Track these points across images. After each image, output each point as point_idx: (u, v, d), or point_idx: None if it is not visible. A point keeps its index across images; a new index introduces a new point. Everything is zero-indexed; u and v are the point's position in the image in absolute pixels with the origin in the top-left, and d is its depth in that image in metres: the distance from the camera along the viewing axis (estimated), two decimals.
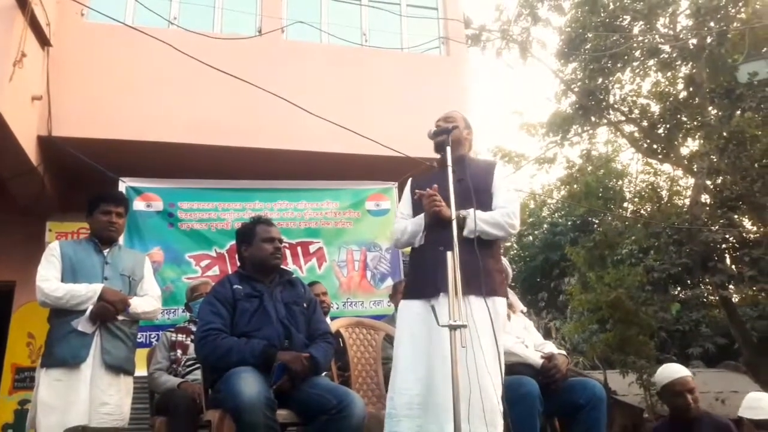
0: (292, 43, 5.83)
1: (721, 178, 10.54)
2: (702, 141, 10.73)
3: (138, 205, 4.93)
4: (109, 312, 3.03)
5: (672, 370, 3.51)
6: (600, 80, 11.63)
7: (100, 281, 3.09)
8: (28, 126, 4.65)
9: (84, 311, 2.98)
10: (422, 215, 2.79)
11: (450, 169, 2.68)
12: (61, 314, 2.99)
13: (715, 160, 10.12)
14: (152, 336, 4.61)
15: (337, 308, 4.96)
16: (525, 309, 3.52)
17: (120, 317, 3.09)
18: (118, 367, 3.07)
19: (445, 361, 2.45)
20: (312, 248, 5.21)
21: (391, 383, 2.65)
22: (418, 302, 2.69)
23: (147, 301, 3.27)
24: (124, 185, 4.88)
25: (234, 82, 4.91)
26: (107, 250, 3.24)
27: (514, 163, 13.15)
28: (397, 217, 3.04)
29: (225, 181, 5.19)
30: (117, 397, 3.05)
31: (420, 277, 2.77)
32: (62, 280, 3.04)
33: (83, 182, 4.92)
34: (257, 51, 5.47)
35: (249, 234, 3.00)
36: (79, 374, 2.92)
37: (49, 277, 3.02)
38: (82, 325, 2.96)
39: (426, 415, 2.50)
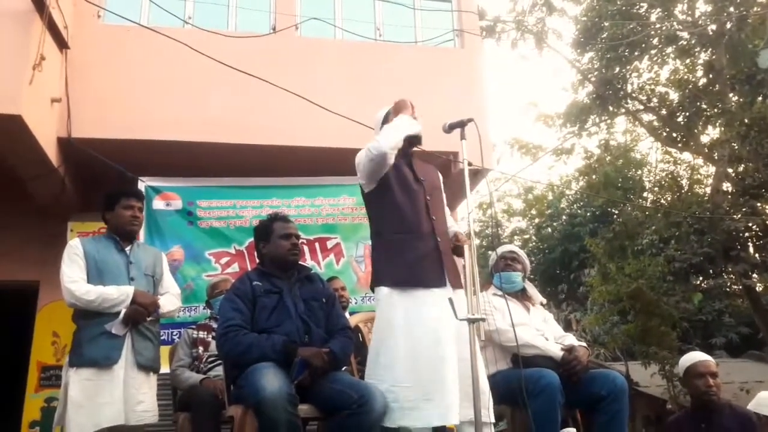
0: (306, 40, 5.83)
1: (742, 165, 10.39)
2: (723, 128, 10.58)
3: (157, 204, 4.98)
4: (142, 315, 3.09)
5: (695, 355, 3.51)
6: (617, 69, 11.50)
7: (127, 282, 3.12)
8: (48, 128, 4.71)
9: (113, 313, 3.01)
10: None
11: (466, 163, 2.69)
12: (90, 315, 3.01)
13: (736, 147, 9.97)
14: (174, 333, 4.66)
15: (356, 303, 4.98)
16: (544, 301, 3.51)
17: (148, 318, 3.15)
18: (149, 367, 3.14)
19: (445, 350, 2.49)
20: (329, 244, 5.23)
21: (385, 374, 2.58)
22: (415, 290, 2.66)
23: (170, 300, 3.33)
24: (143, 185, 4.92)
25: (250, 80, 4.93)
26: (128, 247, 3.26)
27: (532, 155, 13.07)
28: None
29: (243, 179, 5.22)
30: (150, 395, 3.12)
31: (417, 265, 2.70)
32: (87, 281, 3.05)
33: (103, 182, 4.96)
34: (272, 48, 5.49)
35: (266, 231, 3.02)
36: (112, 375, 2.96)
37: (76, 279, 3.02)
38: (116, 328, 3.00)
39: (429, 405, 2.51)
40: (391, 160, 2.73)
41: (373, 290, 2.82)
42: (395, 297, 2.67)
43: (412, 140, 2.93)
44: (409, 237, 2.74)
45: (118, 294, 3.03)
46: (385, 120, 2.97)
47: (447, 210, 3.02)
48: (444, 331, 2.54)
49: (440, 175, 3.12)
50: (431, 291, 2.64)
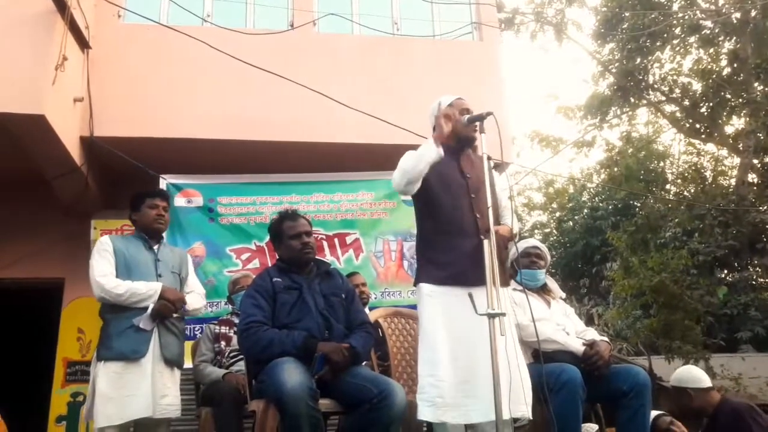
0: (324, 36, 5.85)
1: None
2: (748, 118, 10.41)
3: (179, 201, 5.03)
4: (169, 310, 3.14)
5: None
6: (638, 60, 11.37)
7: (155, 278, 3.18)
8: (71, 127, 4.77)
9: (141, 308, 3.06)
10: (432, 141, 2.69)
11: (486, 156, 2.66)
12: (117, 310, 3.07)
13: (762, 137, 9.80)
14: (196, 329, 4.70)
15: (375, 298, 4.97)
16: (564, 296, 3.47)
17: (174, 314, 3.20)
18: (174, 362, 3.20)
19: (487, 348, 2.46)
20: (349, 239, 5.23)
21: (429, 369, 2.55)
22: (455, 289, 2.63)
23: (196, 298, 3.40)
24: (164, 182, 4.98)
25: (268, 77, 4.95)
26: (156, 246, 3.33)
27: (552, 148, 12.98)
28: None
29: (262, 176, 5.25)
30: (174, 389, 3.17)
31: (459, 264, 2.68)
32: (116, 276, 3.11)
33: (125, 180, 5.05)
34: (290, 45, 5.50)
35: (277, 233, 3.03)
36: (139, 368, 3.01)
37: (106, 273, 3.09)
38: (143, 322, 3.05)
39: (471, 402, 2.49)
40: (415, 188, 2.71)
41: (415, 286, 2.80)
42: (436, 294, 2.65)
43: (465, 141, 2.89)
44: (449, 236, 2.72)
45: (147, 289, 3.09)
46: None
47: (503, 202, 2.95)
48: (483, 329, 2.52)
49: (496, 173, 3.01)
50: (471, 290, 2.61)
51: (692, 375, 3.78)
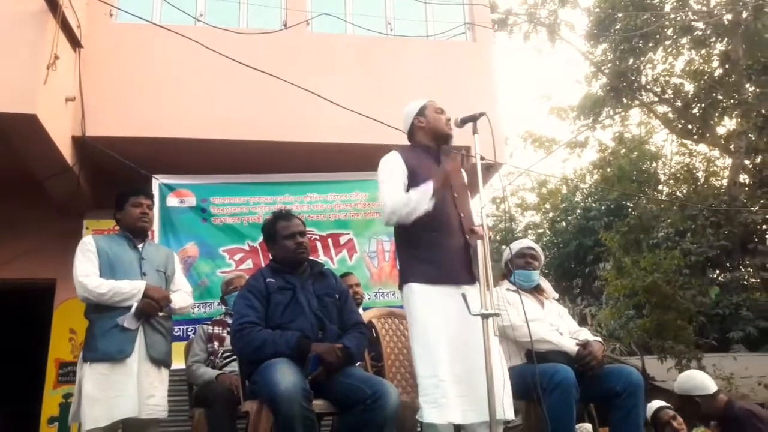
0: (318, 36, 5.84)
1: (760, 156, 10.27)
2: (739, 119, 10.47)
3: (171, 201, 5.01)
4: (154, 309, 3.11)
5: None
6: (631, 61, 11.43)
7: (139, 277, 3.15)
8: (63, 127, 4.74)
9: (125, 307, 3.04)
10: (429, 184, 2.63)
11: (479, 157, 2.66)
12: (102, 310, 3.04)
13: (753, 138, 9.86)
14: (189, 329, 4.68)
15: (369, 299, 4.96)
16: (556, 296, 3.48)
17: (160, 313, 3.17)
18: (161, 361, 3.16)
19: (480, 348, 2.46)
20: (342, 240, 5.23)
21: (430, 370, 2.51)
22: (446, 287, 2.63)
23: (182, 296, 3.35)
24: (157, 182, 4.95)
25: (262, 77, 4.93)
26: (141, 245, 3.30)
27: (545, 148, 13.01)
28: (390, 189, 2.72)
29: (256, 176, 5.23)
30: (160, 389, 3.14)
31: (448, 262, 2.67)
32: (100, 276, 3.08)
33: (117, 180, 5.01)
34: (283, 45, 5.49)
35: (271, 233, 3.03)
36: (125, 368, 2.98)
37: (89, 273, 3.06)
38: (128, 321, 3.02)
39: (465, 402, 2.49)
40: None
41: (401, 288, 2.75)
42: (426, 294, 2.62)
43: (441, 139, 2.89)
44: (437, 234, 2.69)
45: (130, 288, 3.06)
46: (420, 113, 2.91)
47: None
48: (475, 327, 2.51)
49: (464, 171, 3.06)
50: (461, 288, 2.61)
51: (697, 382, 3.75)
